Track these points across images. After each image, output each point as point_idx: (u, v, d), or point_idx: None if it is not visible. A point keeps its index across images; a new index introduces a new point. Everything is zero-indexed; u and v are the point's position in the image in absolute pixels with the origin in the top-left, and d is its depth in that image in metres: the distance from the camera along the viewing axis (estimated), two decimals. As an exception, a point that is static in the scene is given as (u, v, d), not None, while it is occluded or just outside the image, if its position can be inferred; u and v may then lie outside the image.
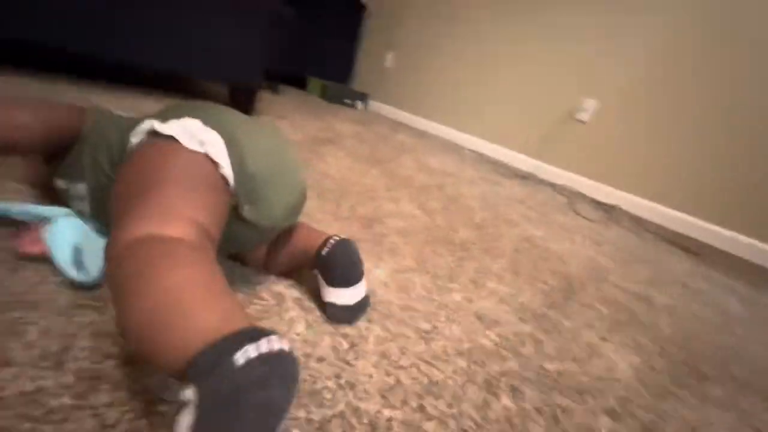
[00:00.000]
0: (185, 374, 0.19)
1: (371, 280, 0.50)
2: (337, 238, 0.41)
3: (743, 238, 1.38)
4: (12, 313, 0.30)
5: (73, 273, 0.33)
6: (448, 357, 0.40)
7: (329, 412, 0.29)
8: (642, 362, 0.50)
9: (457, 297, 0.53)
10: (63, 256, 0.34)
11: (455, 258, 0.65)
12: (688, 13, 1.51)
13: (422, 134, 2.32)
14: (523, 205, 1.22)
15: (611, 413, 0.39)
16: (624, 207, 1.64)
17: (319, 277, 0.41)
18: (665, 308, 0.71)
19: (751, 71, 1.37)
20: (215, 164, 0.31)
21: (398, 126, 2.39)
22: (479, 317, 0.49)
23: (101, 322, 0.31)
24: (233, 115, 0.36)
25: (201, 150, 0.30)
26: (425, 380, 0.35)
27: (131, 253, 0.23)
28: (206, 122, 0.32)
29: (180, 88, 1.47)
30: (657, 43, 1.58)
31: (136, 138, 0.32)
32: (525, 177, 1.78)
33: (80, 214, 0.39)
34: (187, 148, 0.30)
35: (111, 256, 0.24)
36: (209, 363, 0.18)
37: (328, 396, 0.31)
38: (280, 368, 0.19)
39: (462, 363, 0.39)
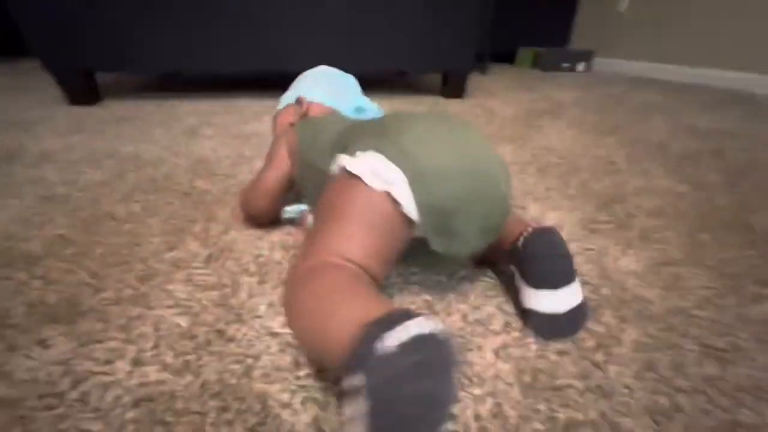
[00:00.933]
0: (344, 365, 0.19)
1: (617, 270, 0.41)
2: (536, 226, 0.34)
3: None
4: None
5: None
6: (761, 393, 0.27)
7: (578, 416, 0.25)
8: None
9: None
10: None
11: (757, 252, 0.45)
12: None
13: (680, 88, 1.74)
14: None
15: None
16: None
17: (517, 275, 0.34)
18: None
19: None
20: (397, 202, 0.29)
21: (640, 82, 1.88)
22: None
23: (361, 280, 0.38)
24: (422, 132, 0.32)
25: (384, 189, 0.29)
26: (722, 416, 0.25)
27: (315, 275, 0.25)
28: (391, 156, 0.30)
29: (395, 80, 1.65)
30: None
31: (333, 167, 0.34)
32: None
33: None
34: (370, 188, 0.29)
35: (287, 282, 0.27)
36: (362, 351, 0.18)
37: (575, 397, 0.26)
38: (434, 353, 0.17)
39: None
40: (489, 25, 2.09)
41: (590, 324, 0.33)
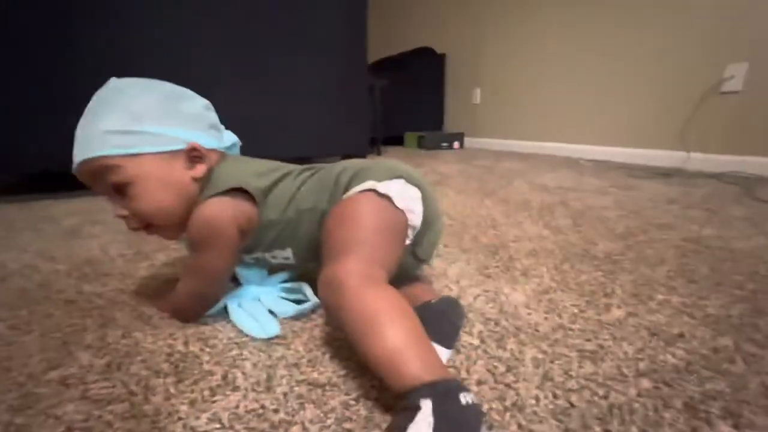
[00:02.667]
0: (418, 390, 0.25)
1: (509, 303, 0.48)
2: (446, 297, 0.42)
3: None
4: (230, 353, 0.38)
5: (257, 333, 0.41)
6: (626, 378, 0.34)
7: (502, 434, 0.28)
8: None
9: (618, 313, 0.46)
10: (246, 325, 0.42)
11: (602, 272, 0.58)
12: None
13: (528, 157, 2.21)
14: (675, 204, 1.02)
15: None
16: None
17: None
18: None
19: None
20: (406, 216, 0.40)
21: (501, 155, 2.33)
22: (654, 333, 0.42)
23: (289, 355, 0.38)
24: (407, 168, 0.44)
25: (403, 207, 0.39)
26: (604, 403, 0.31)
27: (362, 292, 0.31)
28: (408, 181, 0.42)
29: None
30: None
31: (352, 191, 0.40)
32: (669, 174, 1.50)
33: (282, 270, 0.51)
34: (395, 206, 0.39)
35: (339, 282, 0.32)
36: (443, 390, 0.25)
37: (497, 417, 0.30)
38: (479, 415, 0.25)
39: (646, 384, 0.33)
40: (380, 116, 2.44)
41: (499, 351, 0.38)
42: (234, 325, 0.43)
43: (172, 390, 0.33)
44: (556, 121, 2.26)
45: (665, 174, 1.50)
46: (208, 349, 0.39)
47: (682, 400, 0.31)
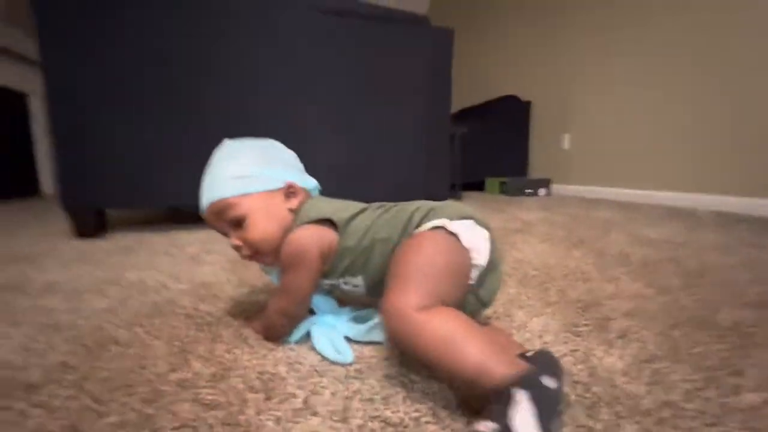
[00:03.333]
0: (511, 385, 0.29)
1: (604, 369, 0.43)
2: (543, 350, 0.38)
3: None
4: (312, 379, 0.41)
5: (335, 357, 0.44)
6: (764, 481, 0.28)
7: None
8: None
9: (752, 398, 0.38)
10: (325, 350, 0.46)
11: (727, 345, 0.49)
12: None
13: (625, 206, 1.99)
14: (837, 270, 0.81)
15: None
16: None
17: None
18: None
19: None
20: (471, 256, 0.43)
21: (592, 203, 2.15)
22: (806, 429, 0.33)
23: (365, 389, 0.39)
24: (472, 211, 0.47)
25: (469, 246, 0.42)
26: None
27: (427, 320, 0.35)
28: (477, 223, 0.45)
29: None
30: None
31: (424, 227, 0.44)
32: (826, 232, 1.21)
33: (352, 296, 0.54)
34: (462, 246, 0.42)
35: (402, 313, 0.36)
36: (531, 380, 0.29)
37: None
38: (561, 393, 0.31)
39: (795, 493, 0.27)
40: (459, 163, 2.48)
41: (590, 421, 0.34)
42: (316, 353, 0.47)
43: (261, 406, 0.37)
44: (673, 164, 2.01)
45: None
46: (293, 373, 0.43)
47: None
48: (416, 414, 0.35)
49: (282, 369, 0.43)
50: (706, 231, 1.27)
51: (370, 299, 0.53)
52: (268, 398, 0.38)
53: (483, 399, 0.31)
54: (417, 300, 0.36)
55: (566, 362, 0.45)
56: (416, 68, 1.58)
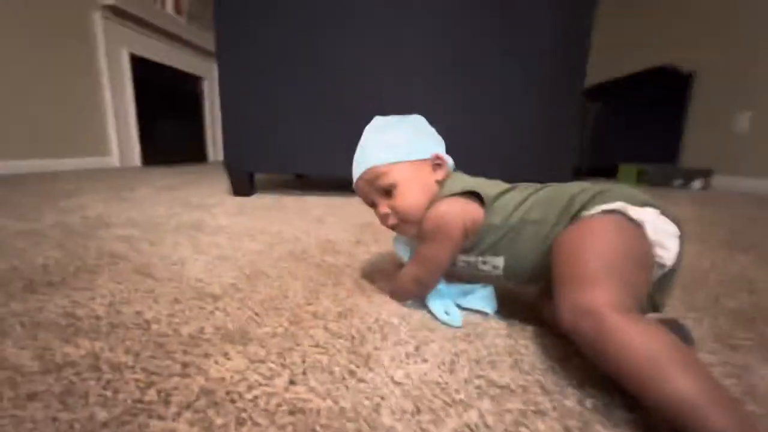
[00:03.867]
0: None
1: (764, 386, 0.36)
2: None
3: None
4: (422, 332, 0.45)
5: (445, 319, 0.47)
6: None
7: None
8: None
9: None
10: (437, 311, 0.48)
11: None
12: None
13: (835, 209, 1.49)
14: None
15: None
16: None
17: None
18: None
19: None
20: (655, 251, 0.37)
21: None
22: None
23: (472, 350, 0.41)
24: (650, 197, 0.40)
25: (656, 240, 0.37)
26: None
27: (627, 328, 0.29)
28: (663, 212, 0.38)
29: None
30: None
31: (595, 210, 0.39)
32: None
33: (488, 279, 0.50)
34: (646, 238, 0.36)
35: (595, 313, 0.31)
36: None
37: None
38: None
39: None
40: (588, 143, 2.19)
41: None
42: (427, 311, 0.50)
43: (378, 344, 0.42)
44: None
45: None
46: (405, 324, 0.47)
47: None
48: (523, 383, 0.36)
49: (395, 319, 0.48)
50: None
51: (505, 283, 0.51)
52: (384, 338, 0.43)
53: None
54: (613, 297, 0.32)
55: (716, 373, 0.38)
56: (546, 28, 1.41)
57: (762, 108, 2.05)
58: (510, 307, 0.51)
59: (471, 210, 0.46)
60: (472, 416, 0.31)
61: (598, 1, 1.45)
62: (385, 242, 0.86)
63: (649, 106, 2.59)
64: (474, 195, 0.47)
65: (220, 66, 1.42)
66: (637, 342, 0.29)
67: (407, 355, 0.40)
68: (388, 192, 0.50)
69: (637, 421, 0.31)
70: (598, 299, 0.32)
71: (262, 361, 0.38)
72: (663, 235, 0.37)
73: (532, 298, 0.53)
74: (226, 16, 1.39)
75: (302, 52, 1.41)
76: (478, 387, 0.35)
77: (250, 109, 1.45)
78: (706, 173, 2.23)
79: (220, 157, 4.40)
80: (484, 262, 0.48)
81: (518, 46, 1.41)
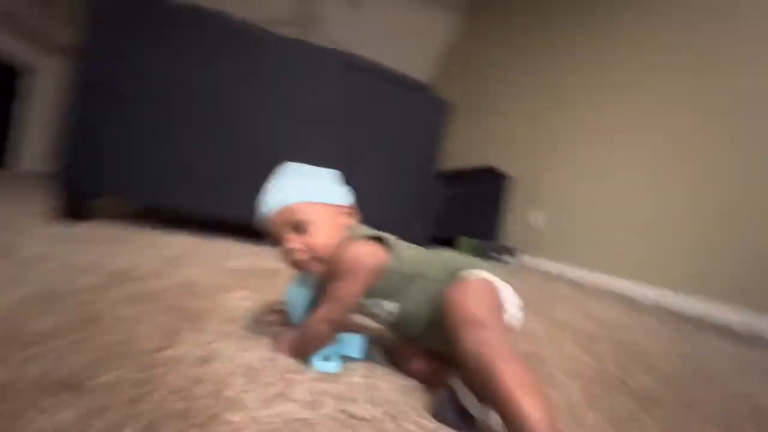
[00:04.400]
0: None
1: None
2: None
3: None
4: (288, 375, 0.47)
5: (320, 365, 0.50)
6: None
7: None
8: None
9: (642, 442, 0.47)
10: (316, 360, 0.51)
11: (637, 403, 0.58)
12: None
13: (583, 286, 2.16)
14: (746, 362, 0.95)
15: None
16: None
17: None
18: None
19: None
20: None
21: (553, 278, 2.31)
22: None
23: (334, 389, 0.45)
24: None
25: (509, 311, 0.48)
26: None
27: (512, 359, 0.38)
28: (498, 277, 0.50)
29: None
30: None
31: (465, 275, 0.49)
32: (733, 334, 1.39)
33: (379, 322, 0.56)
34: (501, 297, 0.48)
35: (493, 346, 0.39)
36: None
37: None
38: None
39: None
40: (440, 218, 2.63)
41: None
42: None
43: (243, 387, 0.42)
44: (624, 254, 2.22)
45: (732, 334, 1.39)
46: (273, 367, 0.48)
47: None
48: (376, 414, 0.42)
49: (263, 363, 0.49)
50: (644, 317, 1.42)
51: (392, 335, 0.57)
52: (250, 382, 0.43)
53: None
54: (503, 339, 0.41)
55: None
56: (414, 130, 1.75)
57: (547, 209, 2.90)
58: (372, 351, 0.58)
59: (380, 253, 0.52)
60: (332, 445, 0.35)
61: (450, 117, 1.89)
62: (255, 287, 0.85)
63: (480, 195, 3.34)
64: (380, 241, 0.53)
65: (82, 66, 1.22)
66: (517, 370, 0.37)
67: (274, 396, 0.41)
68: (299, 228, 0.52)
69: (455, 435, 0.40)
70: (493, 336, 0.41)
71: (104, 411, 0.34)
72: (511, 304, 0.49)
73: (388, 345, 0.62)
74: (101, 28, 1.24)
75: (182, 79, 1.35)
76: (339, 420, 0.39)
77: (109, 122, 1.26)
78: (511, 251, 2.96)
79: (33, 166, 3.45)
80: (378, 306, 0.54)
81: (392, 142, 1.70)
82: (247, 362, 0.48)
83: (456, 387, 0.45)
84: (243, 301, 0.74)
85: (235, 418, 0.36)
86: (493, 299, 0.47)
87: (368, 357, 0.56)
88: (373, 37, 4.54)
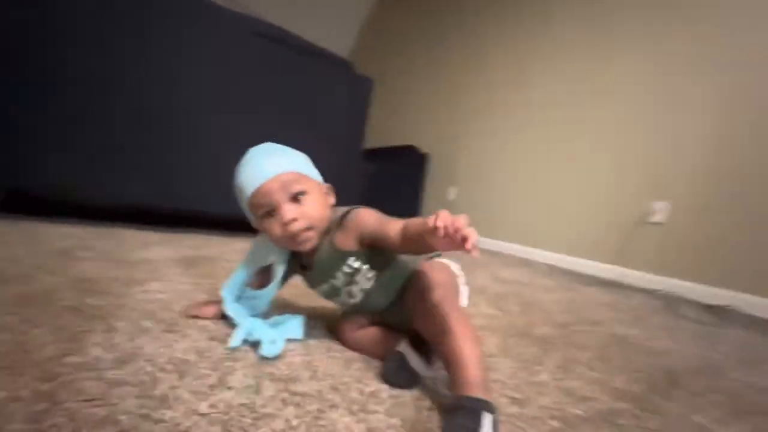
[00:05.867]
0: (481, 403, 0.38)
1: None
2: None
3: None
4: (224, 363, 0.45)
5: (270, 351, 0.49)
6: (543, 419, 0.44)
7: (441, 441, 0.36)
8: (774, 449, 0.46)
9: (545, 377, 0.56)
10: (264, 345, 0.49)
11: (539, 348, 0.69)
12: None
13: (494, 253, 2.42)
14: (610, 308, 1.18)
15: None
16: (739, 308, 1.45)
17: None
18: (808, 405, 0.62)
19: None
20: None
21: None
22: (569, 393, 0.52)
23: (274, 371, 0.45)
24: None
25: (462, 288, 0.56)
26: (521, 433, 0.40)
27: (463, 316, 0.45)
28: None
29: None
30: (711, 132, 1.66)
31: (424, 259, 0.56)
32: (606, 284, 1.71)
33: (357, 287, 0.55)
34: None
35: (452, 308, 0.46)
36: (494, 410, 0.38)
37: None
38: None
39: (556, 424, 0.43)
40: (364, 195, 2.66)
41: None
42: (223, 345, 0.50)
43: (175, 383, 0.39)
44: (522, 224, 2.52)
45: (605, 283, 1.71)
46: (204, 359, 0.46)
47: (579, 436, 0.41)
48: (319, 388, 0.43)
49: (192, 356, 0.46)
50: (540, 277, 1.66)
51: (348, 312, 0.59)
52: (181, 377, 0.41)
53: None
54: (456, 297, 0.50)
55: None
56: (335, 106, 1.72)
57: (461, 184, 3.14)
58: (311, 330, 0.58)
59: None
60: (279, 423, 0.35)
61: (372, 94, 1.89)
62: (170, 279, 0.77)
63: (401, 175, 3.46)
64: None
65: None
66: (465, 321, 0.45)
67: (210, 387, 0.40)
68: (296, 198, 0.51)
69: (402, 396, 0.44)
70: (453, 296, 0.49)
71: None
72: (464, 286, 0.57)
73: (328, 322, 0.63)
74: None
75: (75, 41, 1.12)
76: (283, 399, 0.40)
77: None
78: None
79: None
80: (361, 273, 0.54)
81: (314, 118, 1.65)
82: (175, 357, 0.45)
83: (405, 352, 0.49)
84: (157, 294, 0.68)
85: (172, 414, 0.34)
86: (451, 275, 0.54)
87: (307, 337, 0.56)
88: (290, 8, 4.25)
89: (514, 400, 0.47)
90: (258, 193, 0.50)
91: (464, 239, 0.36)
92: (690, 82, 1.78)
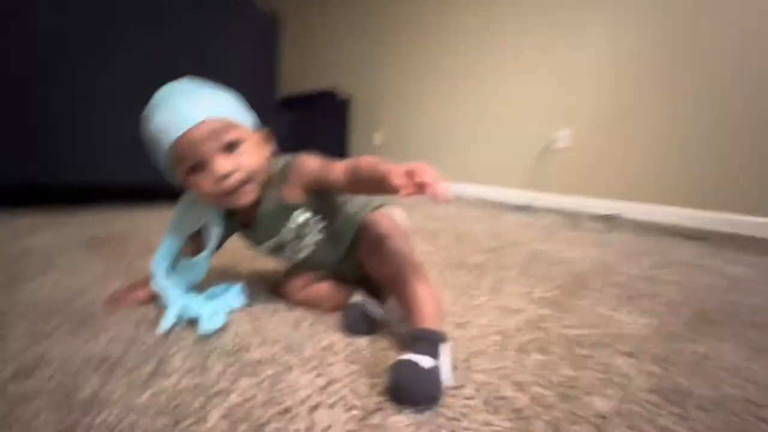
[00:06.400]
0: (438, 335, 0.40)
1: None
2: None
3: (745, 218, 1.45)
4: (159, 350, 0.41)
5: (211, 325, 0.45)
6: (485, 336, 0.49)
7: (400, 376, 0.38)
8: (653, 320, 0.57)
9: (481, 300, 0.62)
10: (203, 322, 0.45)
11: (473, 275, 0.76)
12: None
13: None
14: (527, 229, 1.33)
15: (627, 354, 0.46)
16: (625, 215, 1.74)
17: None
18: (672, 282, 0.78)
19: (713, 57, 1.58)
20: None
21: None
22: (503, 309, 0.58)
23: (222, 345, 0.42)
24: None
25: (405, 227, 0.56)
26: (468, 351, 0.44)
27: (415, 261, 0.47)
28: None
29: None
30: (606, 63, 1.84)
31: (371, 209, 0.55)
32: (523, 209, 1.91)
33: (307, 240, 0.52)
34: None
35: (405, 255, 0.47)
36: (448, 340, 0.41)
37: (396, 367, 0.40)
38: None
39: (496, 338, 0.48)
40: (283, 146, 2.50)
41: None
42: (156, 332, 0.45)
43: (100, 383, 0.35)
44: (446, 161, 2.62)
45: (521, 208, 1.91)
46: (132, 351, 0.41)
47: (517, 344, 0.47)
48: (272, 352, 0.42)
49: (116, 350, 0.41)
50: (468, 209, 1.79)
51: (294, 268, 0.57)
52: (109, 374, 0.36)
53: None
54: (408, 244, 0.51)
55: (382, 299, 0.60)
56: (239, 51, 1.51)
57: (386, 127, 3.11)
58: (253, 296, 0.55)
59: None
60: (234, 398, 0.34)
61: (279, 33, 1.68)
62: (72, 267, 0.66)
63: (323, 119, 3.29)
64: None
65: None
66: (417, 266, 0.47)
67: (148, 377, 0.36)
68: (230, 147, 0.44)
69: (356, 343, 0.45)
70: (405, 243, 0.50)
71: None
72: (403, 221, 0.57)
73: (272, 284, 0.60)
74: None
75: None
76: (234, 372, 0.38)
77: None
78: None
79: None
80: (311, 227, 0.52)
81: (216, 66, 1.43)
82: (96, 354, 0.39)
83: (365, 302, 0.49)
84: (57, 288, 0.58)
85: (105, 415, 0.30)
86: (396, 223, 0.55)
87: (249, 303, 0.53)
88: None
89: (458, 325, 0.52)
90: (180, 144, 0.42)
91: (426, 186, 0.36)
92: (586, 17, 1.90)
